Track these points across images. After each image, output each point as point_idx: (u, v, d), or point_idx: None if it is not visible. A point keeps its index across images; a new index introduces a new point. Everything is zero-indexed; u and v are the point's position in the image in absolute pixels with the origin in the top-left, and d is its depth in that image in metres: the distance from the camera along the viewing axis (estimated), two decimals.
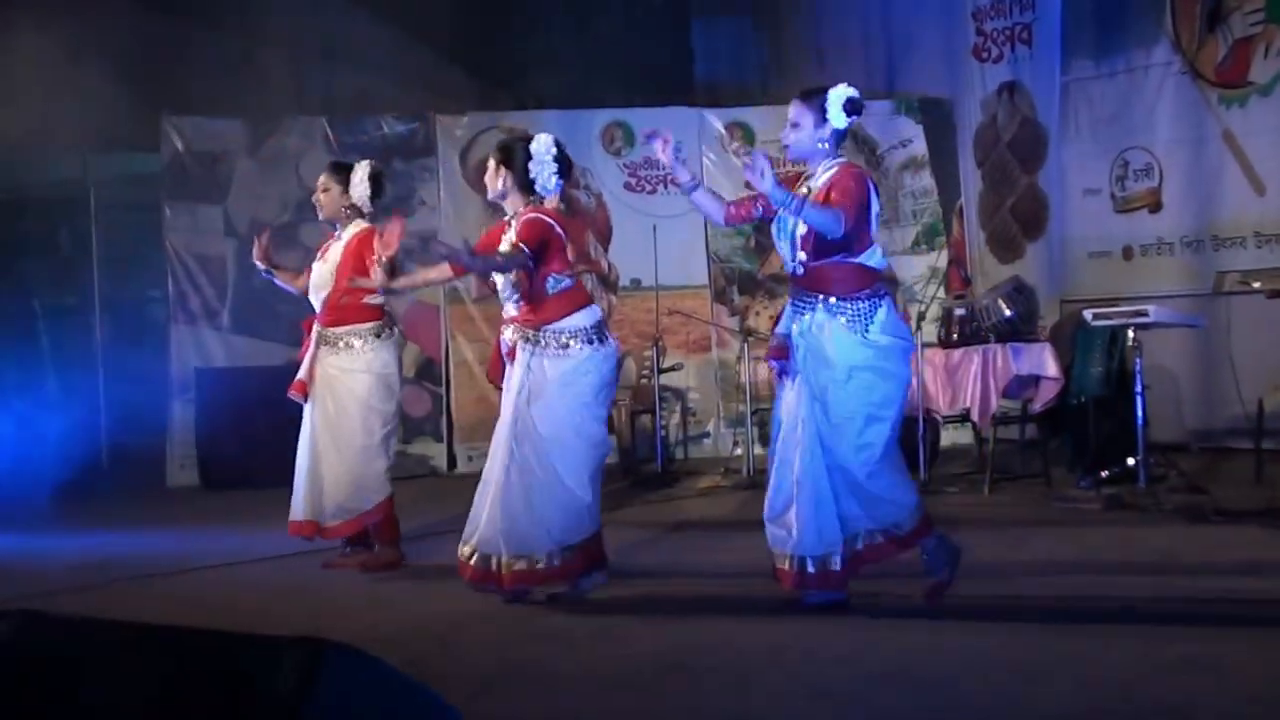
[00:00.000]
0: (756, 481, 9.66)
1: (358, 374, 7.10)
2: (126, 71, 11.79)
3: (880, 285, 5.69)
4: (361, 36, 12.20)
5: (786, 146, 5.74)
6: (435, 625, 5.83)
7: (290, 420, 7.66)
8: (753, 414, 10.12)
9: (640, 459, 10.62)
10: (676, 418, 11.49)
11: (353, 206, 7.21)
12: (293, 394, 7.20)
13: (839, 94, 5.56)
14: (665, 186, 11.61)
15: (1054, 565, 6.56)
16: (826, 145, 5.64)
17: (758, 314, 11.74)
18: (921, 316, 9.37)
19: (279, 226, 10.93)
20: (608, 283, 11.55)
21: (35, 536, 8.82)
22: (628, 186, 11.73)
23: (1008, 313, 9.03)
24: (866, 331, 5.57)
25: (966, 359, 8.99)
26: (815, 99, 5.62)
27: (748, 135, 11.80)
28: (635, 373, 10.93)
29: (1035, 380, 8.94)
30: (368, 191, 7.18)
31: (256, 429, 10.20)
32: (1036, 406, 9.04)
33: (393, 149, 11.46)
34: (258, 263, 7.53)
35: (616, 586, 6.30)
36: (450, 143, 11.57)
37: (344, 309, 7.12)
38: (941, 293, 11.35)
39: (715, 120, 11.87)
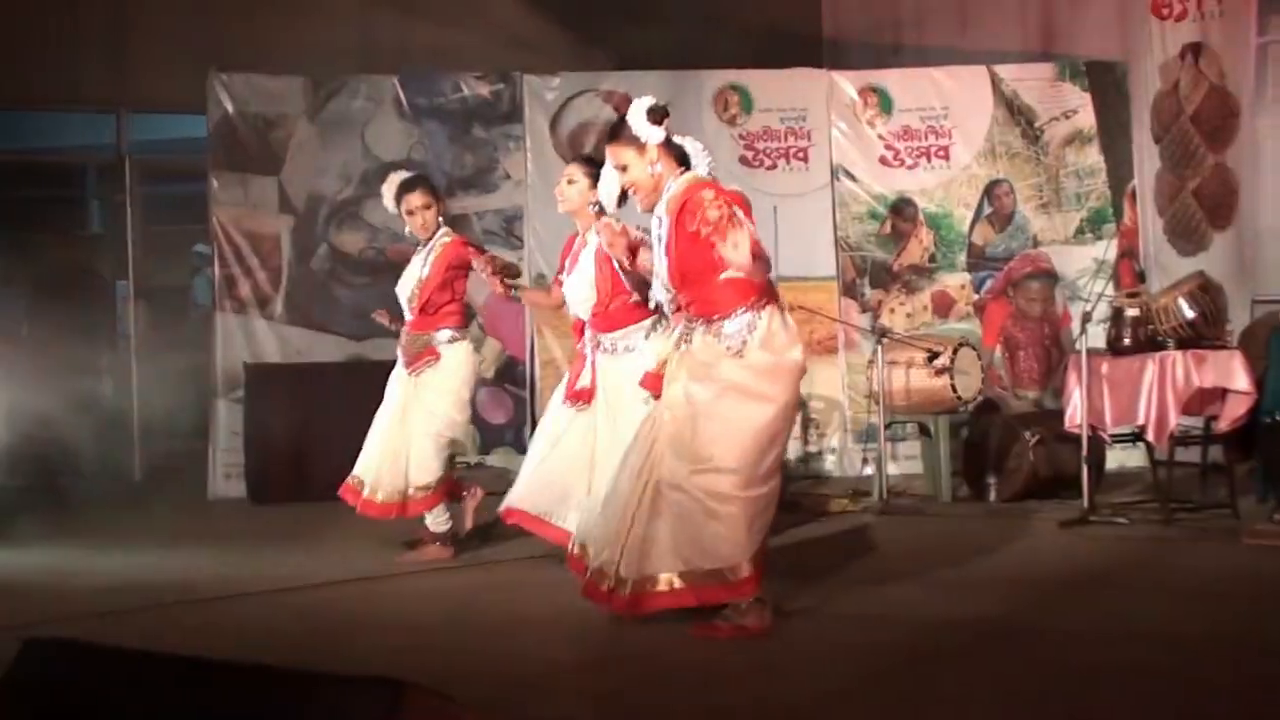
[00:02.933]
0: (892, 506, 9.64)
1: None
2: (166, 20, 11.94)
3: None
4: None
5: (631, 195, 6.36)
6: (520, 668, 5.84)
7: (353, 425, 7.75)
8: (886, 426, 10.04)
9: None
10: (794, 430, 11.42)
11: (597, 203, 7.40)
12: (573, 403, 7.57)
13: (637, 111, 6.15)
14: (788, 160, 11.57)
15: (1250, 633, 6.29)
16: (659, 166, 6.23)
17: (892, 311, 11.68)
18: (1087, 317, 9.24)
19: (340, 201, 11.06)
20: None
21: (59, 553, 8.92)
22: (743, 161, 11.68)
23: (1190, 314, 8.90)
24: None
25: (1139, 368, 8.88)
26: (621, 131, 6.23)
27: (884, 102, 11.73)
28: None
29: (1221, 394, 8.80)
30: (617, 190, 7.28)
31: (312, 434, 10.30)
32: (1223, 425, 8.90)
33: (473, 113, 11.50)
34: (496, 288, 7.98)
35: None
36: (540, 107, 11.59)
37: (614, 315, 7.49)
38: (1110, 290, 11.18)
39: (847, 85, 11.81)
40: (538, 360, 11.49)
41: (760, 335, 6.10)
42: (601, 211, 7.24)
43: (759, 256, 5.86)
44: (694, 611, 6.19)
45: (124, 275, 12.58)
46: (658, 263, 6.34)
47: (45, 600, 7.39)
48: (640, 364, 7.20)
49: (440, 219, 8.28)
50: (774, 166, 11.70)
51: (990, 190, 11.73)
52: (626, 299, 7.39)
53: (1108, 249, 11.60)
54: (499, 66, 11.82)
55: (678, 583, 6.11)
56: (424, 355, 8.21)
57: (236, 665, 3.00)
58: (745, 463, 6.07)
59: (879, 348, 9.98)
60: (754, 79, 11.73)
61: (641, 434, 6.30)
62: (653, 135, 6.16)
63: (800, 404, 11.26)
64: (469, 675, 5.54)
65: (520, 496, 7.66)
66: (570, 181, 7.59)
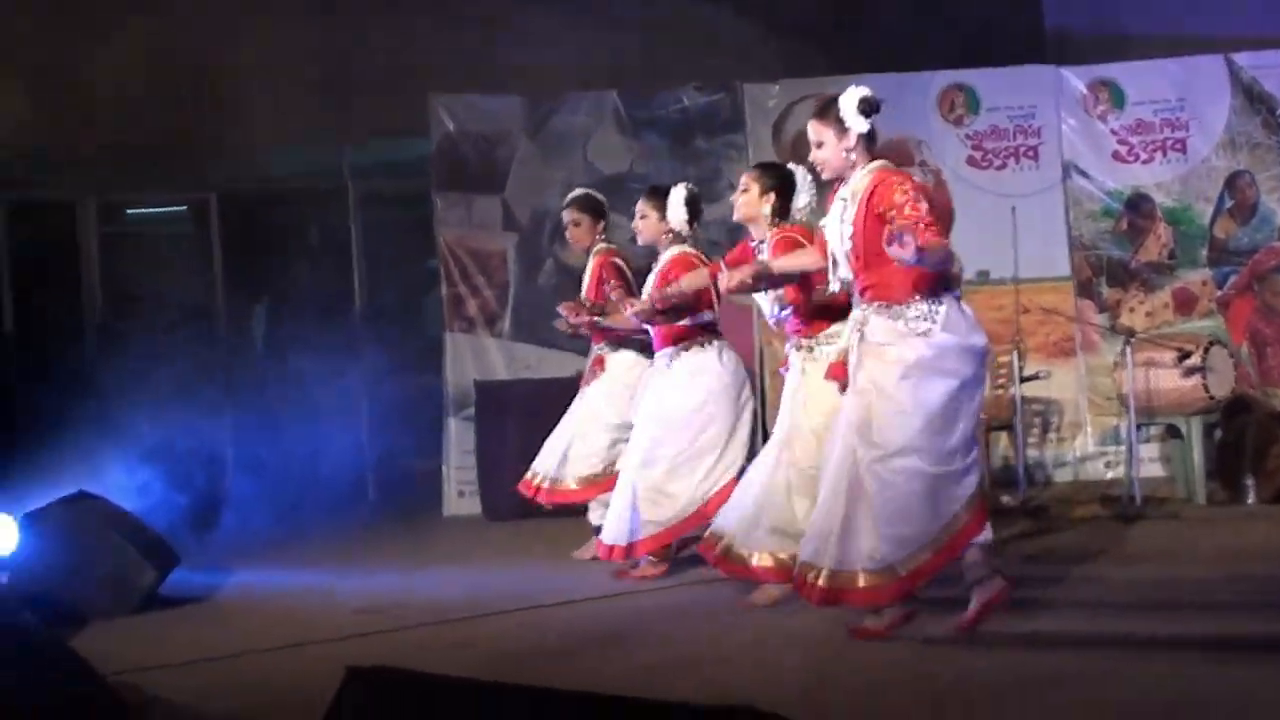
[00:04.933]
0: (1143, 513, 9.45)
1: None
2: (382, 46, 12.13)
3: None
4: None
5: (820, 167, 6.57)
6: (793, 677, 5.84)
7: None
8: (1137, 428, 9.85)
9: (993, 485, 10.43)
10: (1033, 435, 11.26)
11: (671, 231, 8.21)
12: None
13: (850, 98, 6.36)
14: (1017, 159, 11.41)
15: None
16: (854, 155, 6.40)
17: (1132, 310, 11.48)
18: None
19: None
20: (950, 275, 11.36)
21: (303, 573, 9.12)
22: (971, 161, 11.57)
23: None
24: None
25: None
26: (829, 110, 6.42)
27: (1115, 96, 11.55)
28: (989, 382, 10.73)
29: None
30: (685, 215, 8.14)
31: None
32: None
33: (693, 124, 11.54)
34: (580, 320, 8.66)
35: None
36: (760, 115, 11.59)
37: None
38: None
39: (1076, 80, 11.62)
40: (766, 370, 11.44)
41: (941, 320, 6.23)
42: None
43: (932, 246, 5.96)
44: None
45: (350, 299, 12.78)
46: (837, 247, 6.46)
47: (297, 622, 7.54)
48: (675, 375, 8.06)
49: (600, 234, 8.86)
50: (1003, 166, 11.56)
51: (1231, 182, 11.47)
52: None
53: None
54: (717, 76, 11.83)
55: (875, 580, 6.21)
56: (593, 366, 8.92)
57: (584, 696, 2.98)
58: (931, 441, 6.19)
59: (1128, 349, 9.76)
60: (979, 77, 11.61)
61: (837, 425, 6.43)
62: (857, 124, 6.37)
63: (1033, 406, 11.20)
64: (744, 691, 5.53)
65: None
66: (643, 217, 8.31)
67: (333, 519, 11.12)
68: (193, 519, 10.46)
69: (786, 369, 7.36)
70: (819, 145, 6.48)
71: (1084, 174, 11.52)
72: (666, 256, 8.24)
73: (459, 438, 11.39)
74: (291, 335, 12.59)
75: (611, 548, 8.16)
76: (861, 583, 6.21)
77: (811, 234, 7.00)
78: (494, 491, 10.90)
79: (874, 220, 6.22)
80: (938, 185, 11.46)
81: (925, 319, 6.21)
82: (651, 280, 8.25)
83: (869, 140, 6.45)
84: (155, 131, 12.21)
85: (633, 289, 8.53)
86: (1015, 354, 10.16)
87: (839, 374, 6.55)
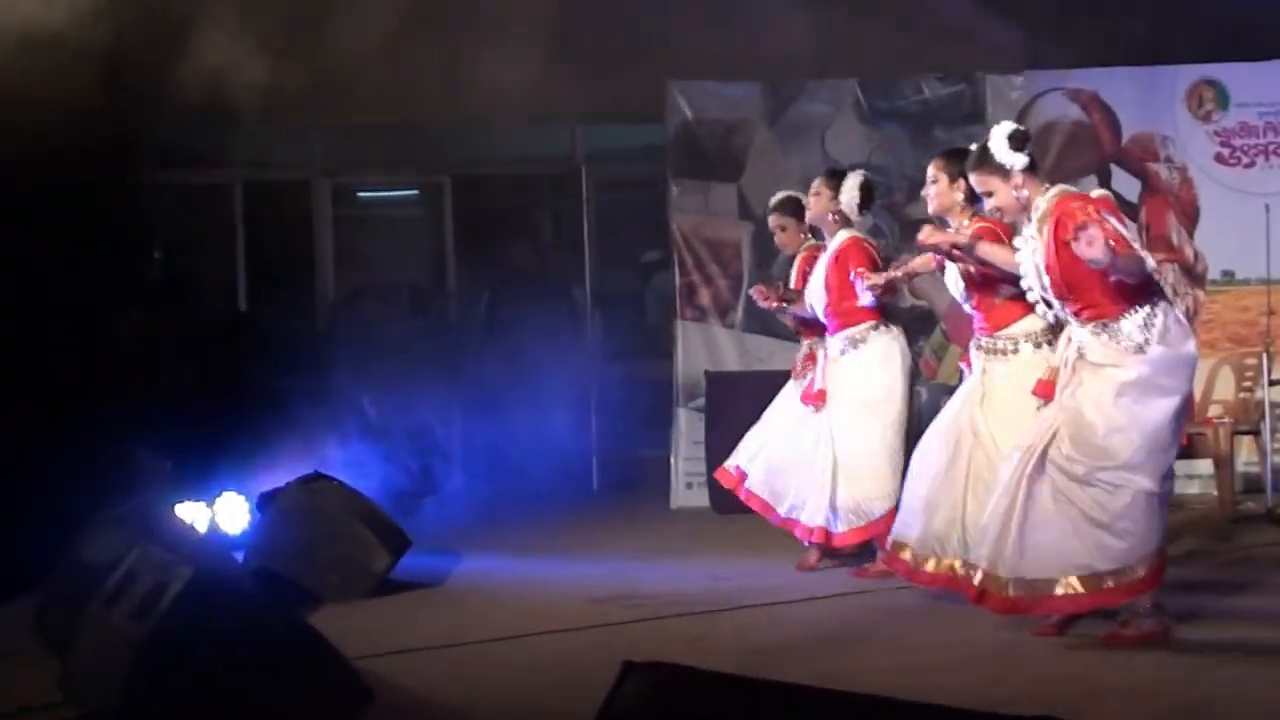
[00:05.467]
0: None
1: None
2: (616, 29, 12.12)
3: None
4: None
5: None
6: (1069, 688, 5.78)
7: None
8: None
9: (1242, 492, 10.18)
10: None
11: (840, 213, 8.25)
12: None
13: (998, 139, 6.40)
14: (1267, 158, 11.11)
15: None
16: (1024, 190, 6.37)
17: None
18: None
19: None
20: (1193, 274, 11.12)
21: (533, 561, 9.19)
22: (1219, 159, 11.25)
23: None
24: None
25: None
26: (985, 159, 6.46)
27: None
28: (1235, 385, 10.50)
29: None
30: (857, 199, 8.20)
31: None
32: None
33: (934, 115, 11.38)
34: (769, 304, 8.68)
35: None
36: (1003, 107, 11.34)
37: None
38: None
39: None
40: None
41: (1157, 331, 6.18)
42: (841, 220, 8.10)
43: (1122, 254, 5.91)
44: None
45: (581, 284, 12.85)
46: (1033, 278, 6.44)
47: (535, 612, 7.58)
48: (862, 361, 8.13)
49: (804, 235, 8.79)
50: (1252, 164, 11.22)
51: None
52: (854, 301, 8.04)
53: None
54: (960, 66, 11.66)
55: (1077, 586, 6.22)
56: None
57: (875, 700, 2.94)
58: (1149, 458, 6.18)
59: None
60: (1230, 72, 11.29)
61: (1024, 438, 6.40)
62: (1016, 161, 6.38)
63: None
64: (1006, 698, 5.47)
65: (758, 480, 8.65)
66: (816, 194, 8.28)
67: (558, 506, 11.15)
68: (420, 502, 10.64)
69: (969, 366, 7.30)
70: (989, 195, 6.51)
71: None
72: (838, 240, 8.21)
73: (689, 428, 11.37)
74: (519, 319, 12.70)
75: (812, 529, 8.25)
76: (1060, 590, 6.23)
77: (1011, 232, 6.87)
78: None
79: (1064, 249, 6.18)
80: (1183, 183, 11.19)
81: (1142, 330, 6.19)
82: (824, 264, 8.23)
83: (1033, 169, 6.45)
84: (391, 113, 12.36)
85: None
86: (1264, 356, 9.88)
87: (1046, 392, 6.49)
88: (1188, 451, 10.68)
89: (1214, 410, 10.64)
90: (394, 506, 9.19)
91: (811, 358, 8.67)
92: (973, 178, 6.59)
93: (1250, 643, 6.38)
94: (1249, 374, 10.28)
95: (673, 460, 11.46)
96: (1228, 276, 11.08)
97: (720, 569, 8.71)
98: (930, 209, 7.59)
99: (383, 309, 13.12)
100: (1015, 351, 6.98)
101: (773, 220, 8.95)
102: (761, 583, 8.06)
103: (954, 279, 7.25)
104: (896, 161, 11.27)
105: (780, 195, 9.01)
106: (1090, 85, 11.19)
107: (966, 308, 7.25)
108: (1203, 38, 12.10)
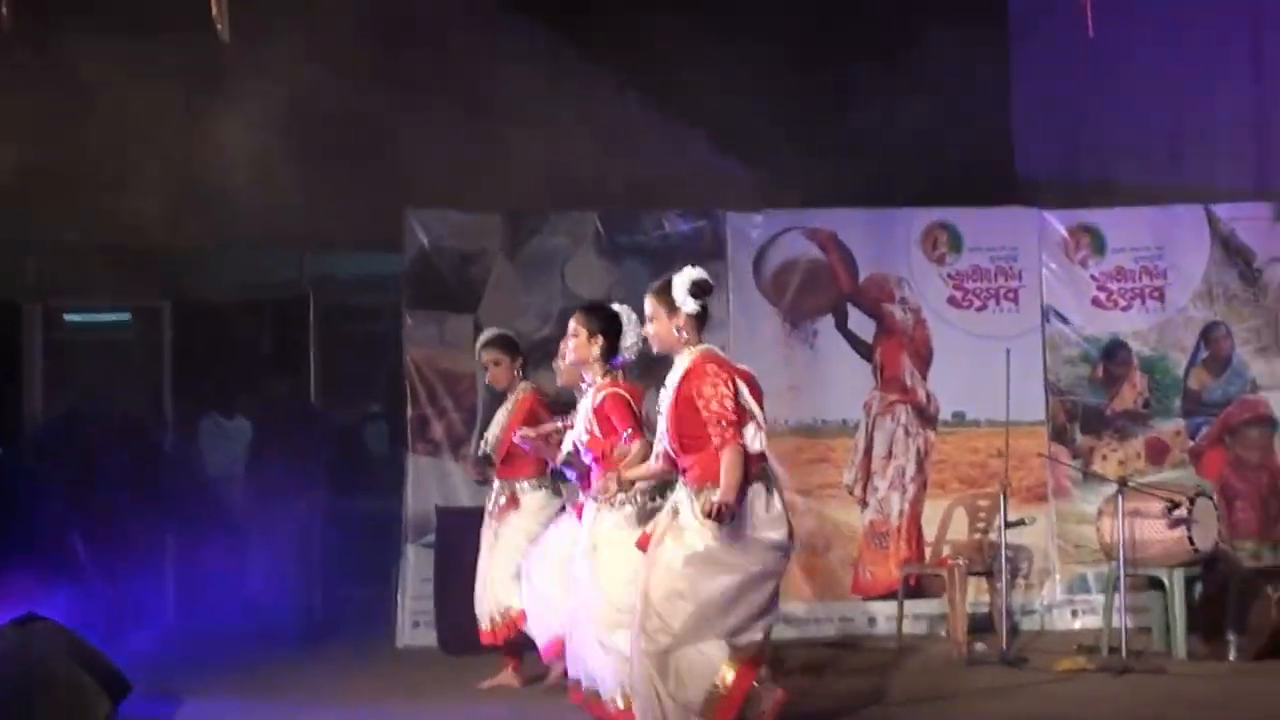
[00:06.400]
0: (1130, 665, 9.30)
1: None
2: (353, 157, 11.97)
3: None
4: (636, 120, 12.21)
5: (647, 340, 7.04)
6: None
7: None
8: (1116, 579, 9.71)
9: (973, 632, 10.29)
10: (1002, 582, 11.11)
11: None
12: None
13: (683, 279, 6.76)
14: (998, 301, 11.37)
15: None
16: (684, 333, 6.72)
17: (1104, 458, 11.40)
18: None
19: (539, 340, 10.93)
20: (925, 415, 11.29)
21: (254, 704, 8.92)
22: (952, 301, 11.49)
23: None
24: None
25: None
26: (665, 289, 6.80)
27: (1096, 241, 11.53)
28: (969, 526, 10.64)
29: None
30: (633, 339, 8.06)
31: None
32: None
33: (675, 251, 11.29)
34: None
35: None
36: (743, 244, 11.44)
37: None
38: None
39: (1058, 224, 11.60)
40: None
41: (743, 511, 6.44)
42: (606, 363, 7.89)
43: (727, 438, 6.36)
44: None
45: (305, 415, 12.56)
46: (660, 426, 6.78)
47: None
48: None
49: (517, 372, 9.22)
50: (984, 307, 11.49)
51: (1207, 334, 11.44)
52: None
53: None
54: (701, 203, 11.72)
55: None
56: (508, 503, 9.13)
57: None
58: (690, 626, 6.43)
59: (1120, 497, 9.62)
60: (963, 216, 11.57)
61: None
62: (687, 305, 6.72)
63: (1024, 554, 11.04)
64: None
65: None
66: (573, 335, 8.05)
67: (282, 643, 10.85)
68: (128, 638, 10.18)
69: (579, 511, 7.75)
70: (651, 319, 6.85)
71: (1063, 318, 11.45)
72: (602, 394, 7.78)
73: (418, 565, 11.06)
74: (236, 450, 12.36)
75: None
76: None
77: (640, 393, 7.44)
78: (452, 623, 10.54)
79: (685, 404, 6.55)
80: (917, 324, 11.39)
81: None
82: (584, 411, 7.89)
83: (699, 321, 6.78)
84: (108, 233, 11.95)
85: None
86: (1002, 497, 10.00)
87: (643, 544, 6.72)
88: (915, 591, 10.90)
89: (947, 550, 10.81)
90: (104, 644, 8.75)
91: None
92: (647, 299, 6.89)
93: None
94: (982, 515, 10.40)
95: (399, 598, 11.14)
96: (958, 418, 11.28)
97: (446, 714, 8.65)
98: (568, 360, 7.98)
99: (95, 437, 12.57)
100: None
101: (486, 356, 9.15)
102: None
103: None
104: (636, 296, 11.13)
105: (491, 331, 9.20)
106: (830, 225, 11.36)
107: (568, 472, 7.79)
108: (929, 179, 12.44)
